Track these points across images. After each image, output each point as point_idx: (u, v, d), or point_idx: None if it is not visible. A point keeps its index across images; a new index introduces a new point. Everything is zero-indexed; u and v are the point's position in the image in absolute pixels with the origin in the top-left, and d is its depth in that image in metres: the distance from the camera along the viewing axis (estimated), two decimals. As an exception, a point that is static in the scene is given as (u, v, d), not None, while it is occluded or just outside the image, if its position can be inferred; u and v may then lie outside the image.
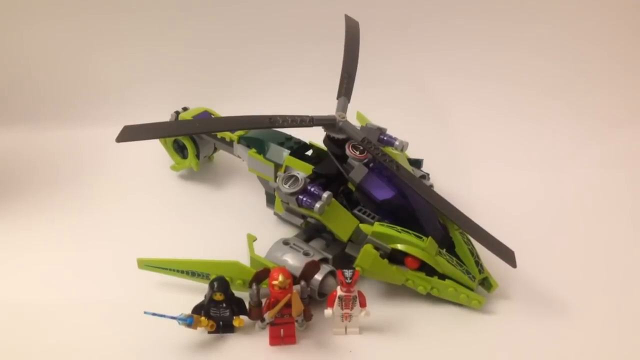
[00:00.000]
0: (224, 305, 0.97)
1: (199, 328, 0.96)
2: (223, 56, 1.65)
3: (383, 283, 1.08)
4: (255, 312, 0.97)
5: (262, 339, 0.98)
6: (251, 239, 1.10)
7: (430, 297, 1.05)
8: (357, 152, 1.10)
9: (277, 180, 1.08)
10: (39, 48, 1.60)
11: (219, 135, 1.30)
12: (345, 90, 1.17)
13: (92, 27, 1.60)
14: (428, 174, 1.24)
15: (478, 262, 1.06)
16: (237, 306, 0.98)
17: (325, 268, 1.03)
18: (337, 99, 1.16)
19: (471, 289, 1.04)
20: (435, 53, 1.67)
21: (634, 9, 1.60)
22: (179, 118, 1.36)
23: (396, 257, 1.04)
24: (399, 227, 1.04)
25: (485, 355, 0.97)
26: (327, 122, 1.10)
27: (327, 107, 1.15)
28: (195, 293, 1.02)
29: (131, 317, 1.00)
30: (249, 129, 1.25)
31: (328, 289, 1.03)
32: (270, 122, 1.05)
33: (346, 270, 0.96)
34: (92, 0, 1.58)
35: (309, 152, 1.23)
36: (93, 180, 1.39)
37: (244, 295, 0.99)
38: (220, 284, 0.96)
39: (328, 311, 0.98)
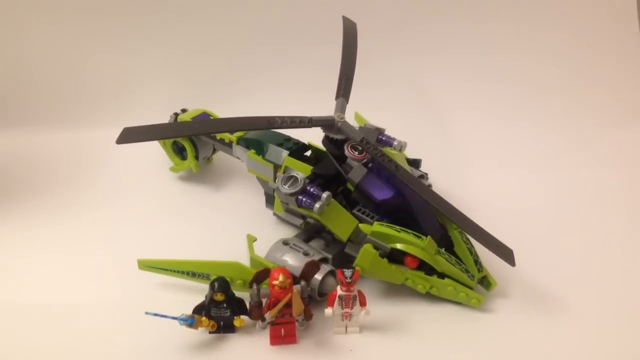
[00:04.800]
0: (225, 305, 0.97)
1: (200, 328, 0.97)
2: (221, 58, 1.65)
3: (383, 282, 1.09)
4: (256, 312, 0.97)
5: (262, 338, 0.98)
6: (251, 240, 1.10)
7: (430, 296, 1.06)
8: (356, 153, 1.11)
9: (276, 181, 1.08)
10: (38, 51, 1.60)
11: (218, 136, 1.30)
12: (344, 91, 1.17)
13: (90, 30, 1.60)
14: (426, 174, 1.24)
15: (477, 261, 1.06)
16: (237, 306, 0.98)
17: (325, 268, 1.04)
18: (336, 99, 1.16)
19: (470, 288, 1.04)
20: (433, 54, 1.68)
21: (629, 9, 1.61)
22: (178, 120, 1.36)
23: (395, 257, 1.04)
24: (398, 227, 1.04)
25: (484, 353, 0.98)
26: (325, 123, 1.11)
27: (326, 108, 1.15)
28: (196, 293, 1.02)
29: (132, 318, 1.00)
30: (248, 130, 1.25)
31: (328, 289, 1.03)
32: (269, 123, 1.05)
33: (346, 270, 0.96)
34: (91, 3, 1.58)
35: (308, 153, 1.23)
36: (93, 182, 1.40)
37: (244, 295, 1.00)
38: (221, 284, 0.96)
39: (328, 310, 0.98)
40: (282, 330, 0.97)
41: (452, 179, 1.37)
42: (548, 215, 1.29)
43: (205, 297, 0.98)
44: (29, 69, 1.61)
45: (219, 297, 0.96)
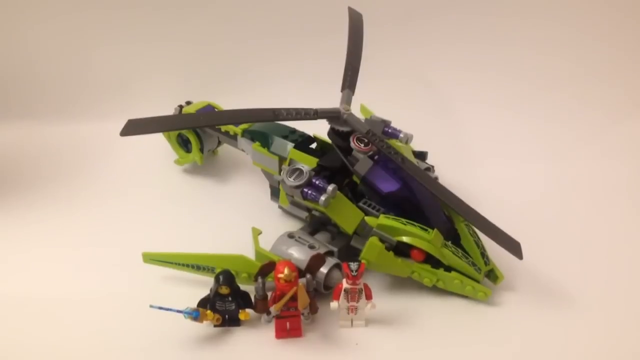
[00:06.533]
0: (230, 298, 0.97)
1: (204, 322, 0.96)
2: (226, 50, 1.64)
3: (389, 275, 1.08)
4: (261, 306, 0.97)
5: (268, 332, 0.98)
6: (256, 233, 1.10)
7: (436, 290, 1.05)
8: (362, 145, 1.10)
9: (281, 174, 1.08)
10: (41, 43, 1.59)
11: (223, 128, 1.29)
12: (350, 82, 1.16)
13: (94, 22, 1.59)
14: (433, 166, 1.24)
15: (484, 254, 1.06)
16: (242, 299, 0.98)
17: (331, 261, 1.03)
18: (342, 91, 1.15)
19: (477, 281, 1.04)
20: (440, 45, 1.66)
21: (637, 1, 1.60)
22: (183, 112, 1.35)
23: (402, 250, 1.04)
24: (404, 220, 1.04)
25: (491, 347, 0.97)
26: (331, 115, 1.10)
27: (331, 99, 1.14)
28: (200, 287, 1.02)
29: (137, 311, 1.00)
30: (253, 123, 1.24)
31: (334, 282, 1.02)
32: (275, 115, 1.04)
33: (352, 263, 0.96)
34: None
35: (314, 145, 1.22)
36: (97, 175, 1.39)
37: (249, 288, 0.99)
38: (226, 278, 0.96)
39: (334, 304, 0.98)
40: (288, 323, 0.97)
41: (458, 172, 1.36)
42: (556, 208, 1.28)
43: (210, 290, 0.97)
44: (33, 61, 1.60)
45: (224, 290, 0.96)
